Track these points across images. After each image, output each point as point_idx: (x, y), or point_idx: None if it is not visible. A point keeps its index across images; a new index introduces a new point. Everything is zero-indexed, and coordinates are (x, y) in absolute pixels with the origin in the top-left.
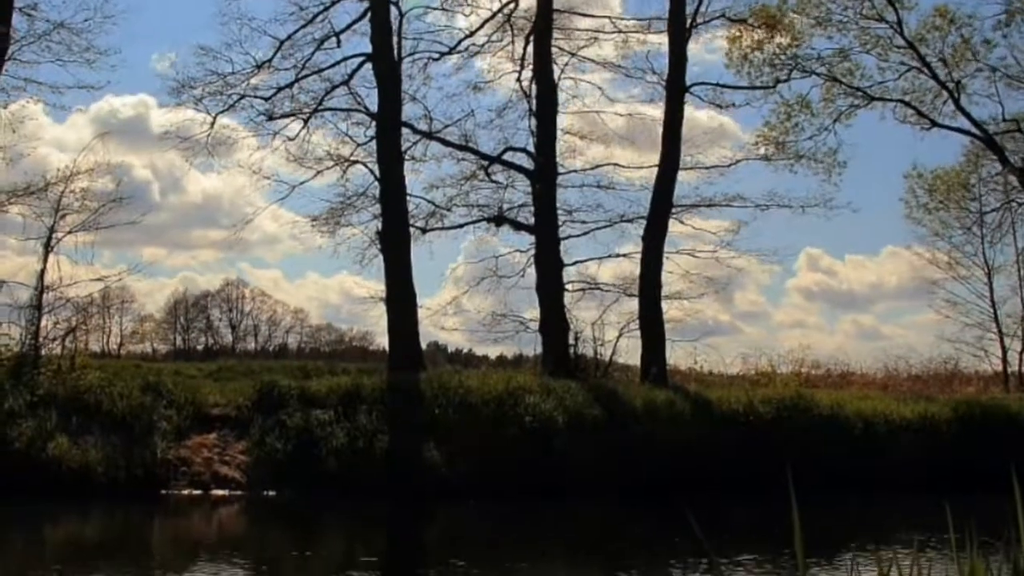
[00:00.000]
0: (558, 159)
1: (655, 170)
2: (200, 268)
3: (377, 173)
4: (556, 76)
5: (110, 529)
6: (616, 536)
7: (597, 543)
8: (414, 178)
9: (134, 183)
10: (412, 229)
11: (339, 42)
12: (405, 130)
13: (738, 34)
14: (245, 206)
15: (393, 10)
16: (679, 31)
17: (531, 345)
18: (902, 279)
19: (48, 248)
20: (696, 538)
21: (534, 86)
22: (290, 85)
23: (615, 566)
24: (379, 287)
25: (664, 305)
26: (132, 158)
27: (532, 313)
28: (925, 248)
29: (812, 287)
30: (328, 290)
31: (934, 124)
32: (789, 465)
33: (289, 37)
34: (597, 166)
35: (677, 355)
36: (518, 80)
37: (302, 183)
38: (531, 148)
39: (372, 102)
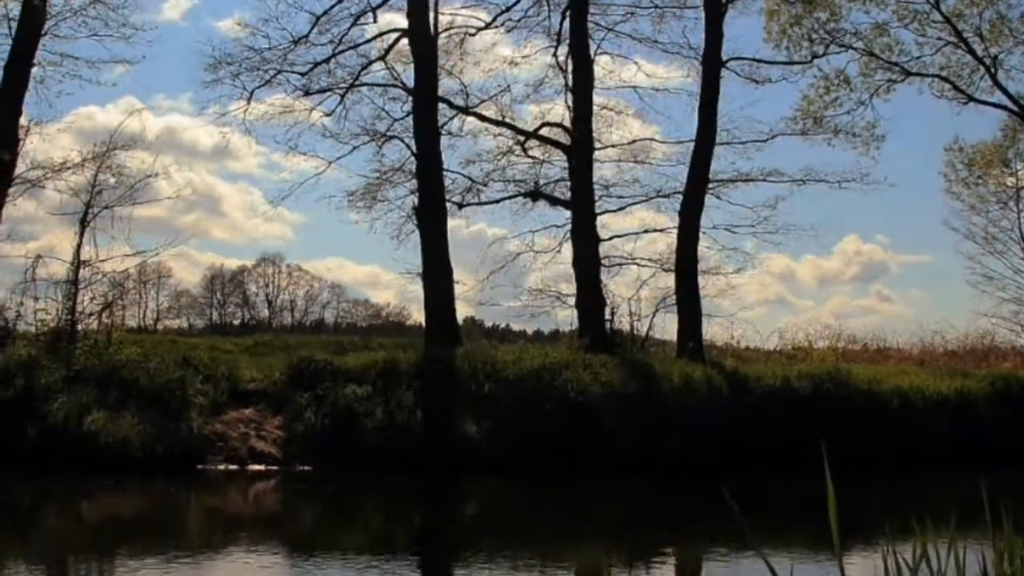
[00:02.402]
0: (594, 134)
1: (691, 145)
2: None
3: (414, 148)
4: (592, 51)
5: (147, 504)
6: (652, 512)
7: (633, 519)
8: (450, 153)
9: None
10: (448, 204)
11: (375, 17)
12: (441, 105)
13: (776, 8)
14: (225, 201)
15: None
16: (715, 5)
17: (568, 321)
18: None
19: (84, 223)
20: (732, 515)
21: (570, 61)
22: (327, 60)
23: (651, 542)
24: (368, 269)
25: (701, 280)
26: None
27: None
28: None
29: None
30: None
31: (971, 99)
32: (823, 442)
33: (326, 12)
34: (633, 141)
35: (714, 330)
36: (554, 55)
37: (338, 158)
38: (567, 123)
39: (408, 77)
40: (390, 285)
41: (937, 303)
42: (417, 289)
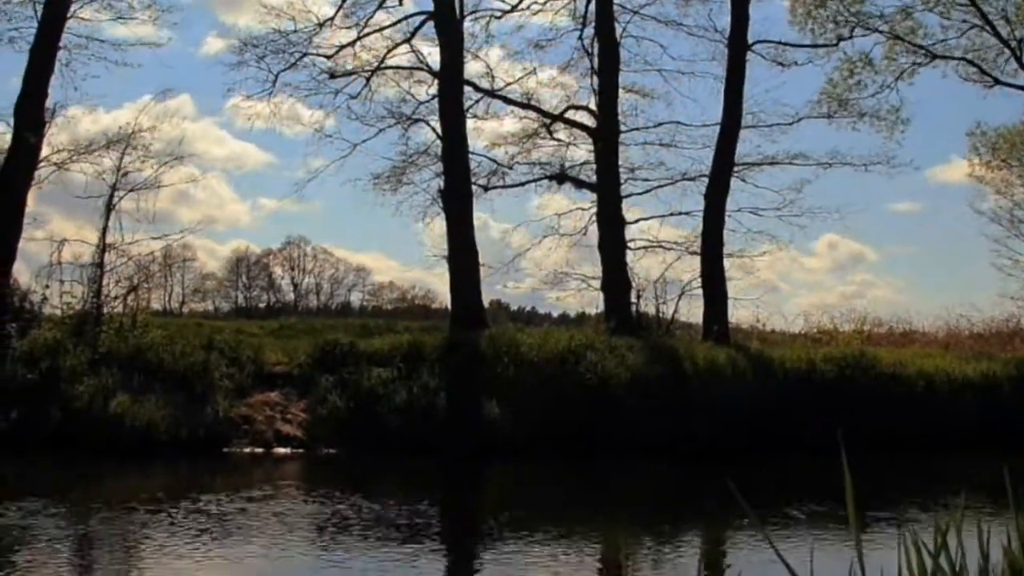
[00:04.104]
0: (620, 117)
1: (717, 128)
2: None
3: (439, 131)
4: (618, 34)
5: (172, 485)
6: (676, 496)
7: (658, 503)
8: (476, 136)
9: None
10: (474, 187)
11: (401, 0)
12: (467, 88)
13: None
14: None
15: None
16: None
17: (594, 304)
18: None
19: (110, 206)
20: (756, 498)
21: (596, 44)
22: (352, 43)
23: (676, 525)
24: (367, 257)
25: (726, 263)
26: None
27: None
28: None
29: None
30: None
31: (997, 82)
32: (841, 427)
33: None
34: (659, 124)
35: (739, 313)
36: (580, 38)
37: (364, 141)
38: (593, 106)
39: (434, 60)
40: (387, 272)
41: (924, 292)
42: (418, 276)
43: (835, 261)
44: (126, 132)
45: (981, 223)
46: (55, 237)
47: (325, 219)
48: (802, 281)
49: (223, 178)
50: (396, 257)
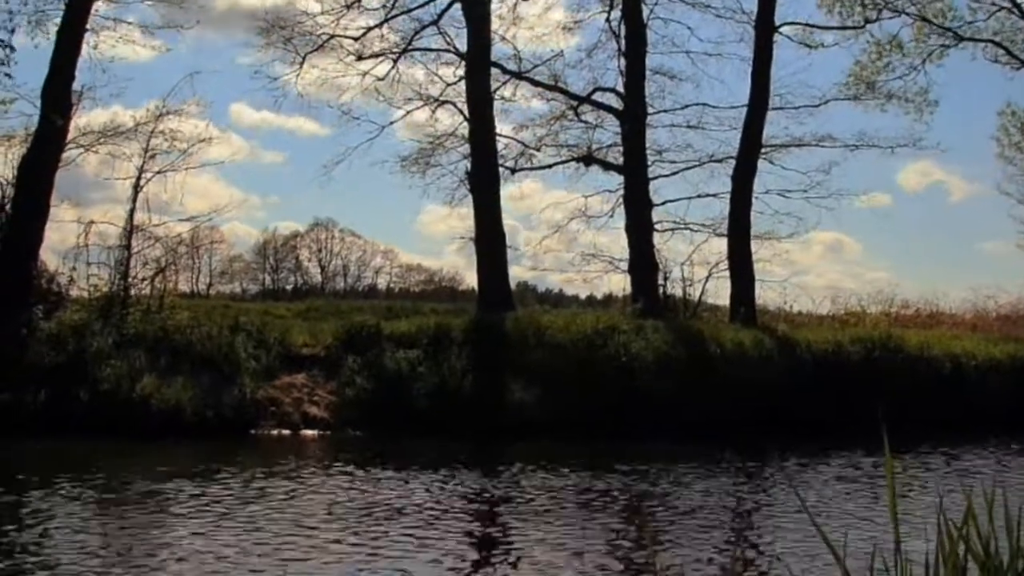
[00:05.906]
0: (647, 99)
1: (744, 110)
2: None
3: (466, 113)
4: (645, 16)
5: (196, 466)
6: (700, 481)
7: (681, 487)
8: (503, 118)
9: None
10: (501, 169)
11: None
12: (494, 70)
13: None
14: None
15: None
16: None
17: (621, 286)
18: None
19: (137, 188)
20: (788, 483)
21: (623, 26)
22: (379, 25)
23: (700, 511)
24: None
25: (753, 245)
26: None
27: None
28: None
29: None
30: None
31: None
32: (881, 409)
33: None
34: (686, 106)
35: (767, 295)
36: (607, 20)
37: (391, 123)
38: (620, 88)
39: (461, 42)
40: None
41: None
42: (421, 261)
43: (817, 251)
44: (154, 114)
45: (1009, 205)
46: (82, 219)
47: (324, 213)
48: (793, 266)
49: (224, 175)
50: (398, 247)
